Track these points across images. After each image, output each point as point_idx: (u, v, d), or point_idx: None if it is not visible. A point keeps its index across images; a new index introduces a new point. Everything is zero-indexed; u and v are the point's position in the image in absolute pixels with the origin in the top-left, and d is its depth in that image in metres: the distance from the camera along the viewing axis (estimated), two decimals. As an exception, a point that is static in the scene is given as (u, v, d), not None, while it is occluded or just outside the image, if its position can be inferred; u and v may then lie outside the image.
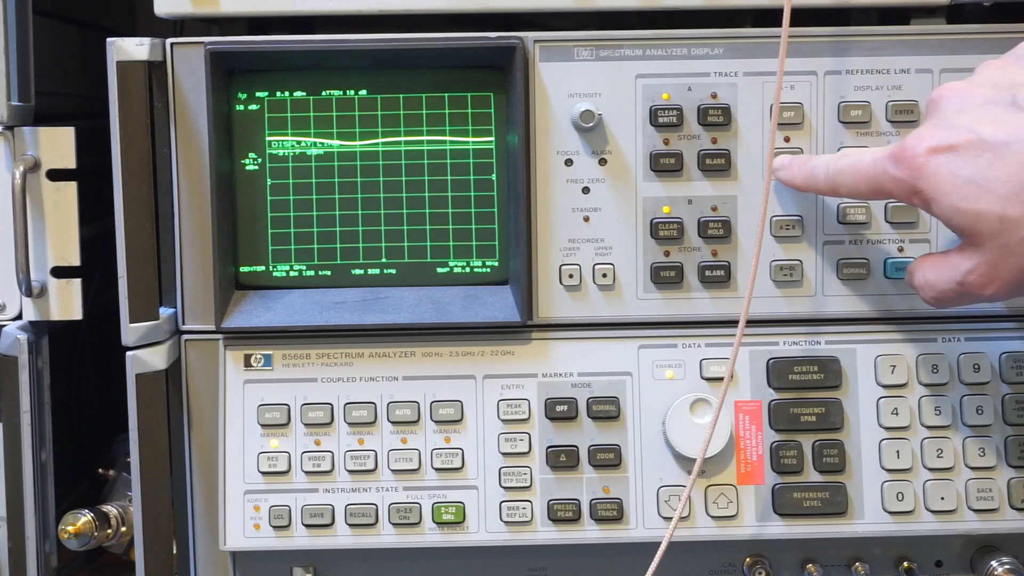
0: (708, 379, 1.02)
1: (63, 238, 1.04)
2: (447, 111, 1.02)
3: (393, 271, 1.04)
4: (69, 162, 1.03)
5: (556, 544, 1.02)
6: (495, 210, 1.03)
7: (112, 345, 1.03)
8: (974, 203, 0.82)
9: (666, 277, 1.02)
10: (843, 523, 1.02)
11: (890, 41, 1.01)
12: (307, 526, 1.01)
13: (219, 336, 1.03)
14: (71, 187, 1.04)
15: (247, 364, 1.03)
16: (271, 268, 1.04)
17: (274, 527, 1.01)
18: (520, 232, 1.00)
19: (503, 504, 1.02)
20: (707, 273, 1.02)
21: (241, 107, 1.02)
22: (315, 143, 1.02)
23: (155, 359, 1.00)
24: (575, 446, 1.02)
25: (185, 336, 1.04)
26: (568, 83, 1.01)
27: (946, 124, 0.85)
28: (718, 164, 1.01)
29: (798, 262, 1.02)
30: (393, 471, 1.02)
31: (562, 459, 1.01)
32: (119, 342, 1.00)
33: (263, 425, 1.02)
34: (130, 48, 0.98)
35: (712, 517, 1.02)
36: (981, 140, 0.82)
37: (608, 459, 1.01)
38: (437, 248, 1.04)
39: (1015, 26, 1.01)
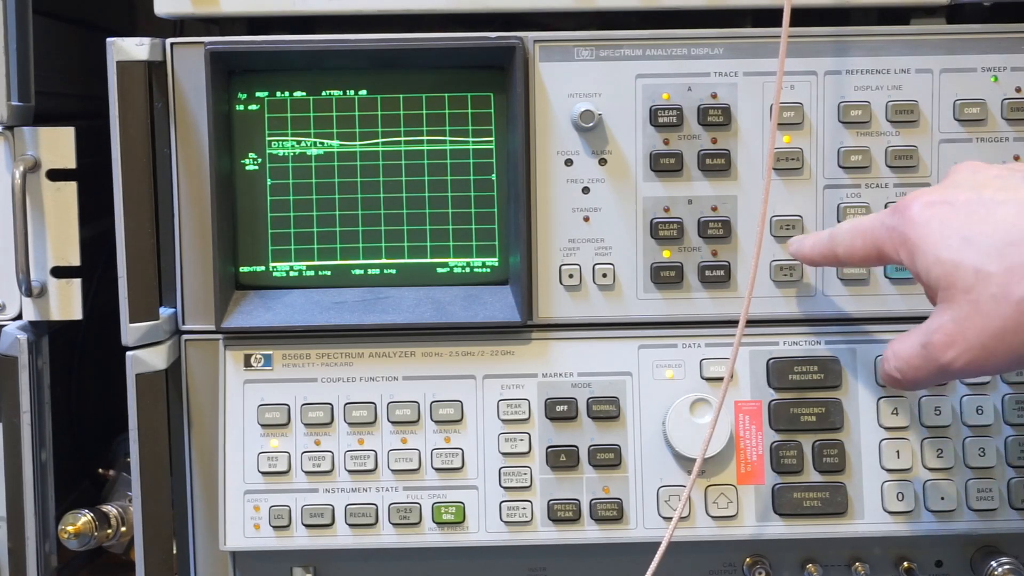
0: (708, 379, 1.02)
1: (63, 238, 1.04)
2: (447, 111, 1.02)
3: (393, 271, 1.04)
4: (69, 162, 1.03)
5: (556, 544, 1.02)
6: (495, 210, 1.03)
7: (112, 345, 1.03)
8: (955, 254, 0.80)
9: (666, 277, 1.02)
10: (843, 523, 1.02)
11: (890, 41, 1.01)
12: (307, 526, 1.01)
13: (219, 336, 1.03)
14: (71, 187, 1.04)
15: (247, 364, 1.03)
16: (271, 268, 1.04)
17: (274, 527, 1.01)
18: (520, 232, 1.00)
19: (503, 504, 1.02)
20: (707, 273, 1.02)
21: (241, 107, 1.02)
22: (315, 143, 1.02)
23: (155, 359, 1.00)
24: (575, 446, 1.02)
25: (185, 336, 1.04)
26: (568, 83, 1.01)
27: (952, 185, 0.84)
28: (718, 164, 1.01)
29: (798, 262, 1.02)
30: (393, 471, 1.02)
31: (562, 459, 1.01)
32: (119, 342, 1.00)
33: (263, 425, 1.02)
34: (130, 48, 0.98)
35: (712, 517, 1.02)
36: (980, 198, 0.81)
37: (608, 459, 1.01)
38: (437, 248, 1.04)
39: (1015, 26, 1.01)
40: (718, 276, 1.02)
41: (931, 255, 0.81)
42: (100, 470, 1.20)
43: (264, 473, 1.02)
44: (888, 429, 1.02)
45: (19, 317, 1.05)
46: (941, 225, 0.81)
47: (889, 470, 1.02)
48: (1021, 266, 0.77)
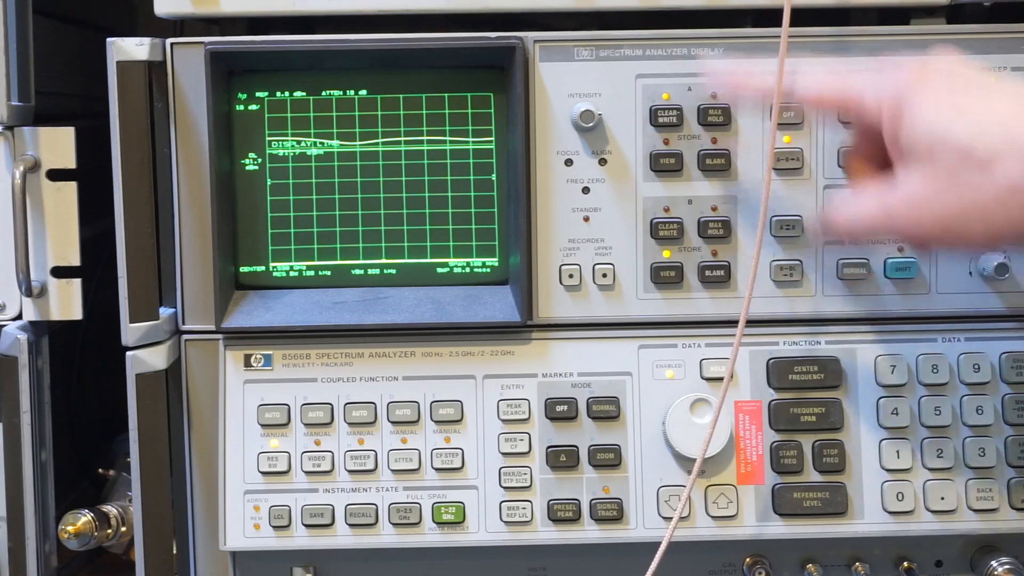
0: (708, 379, 1.02)
1: (63, 238, 1.04)
2: (447, 111, 1.02)
3: (393, 271, 1.04)
4: (69, 162, 1.03)
5: (556, 544, 1.02)
6: (495, 210, 1.03)
7: (112, 345, 1.03)
8: (947, 125, 0.79)
9: (666, 277, 1.02)
10: (843, 523, 1.02)
11: (890, 41, 1.01)
12: (307, 526, 1.01)
13: (219, 336, 1.03)
14: (71, 187, 1.04)
15: (247, 364, 1.03)
16: (271, 268, 1.04)
17: (274, 527, 1.01)
18: (520, 232, 1.00)
19: (503, 504, 1.02)
20: (707, 273, 1.02)
21: (241, 107, 1.02)
22: (315, 143, 1.02)
23: (155, 359, 1.00)
24: (575, 446, 1.02)
25: (185, 336, 1.04)
26: (568, 83, 1.01)
27: (946, 62, 0.85)
28: (718, 164, 1.01)
29: (798, 262, 1.02)
30: (393, 471, 1.02)
31: (562, 459, 1.01)
32: (119, 342, 1.00)
33: (263, 425, 1.02)
34: (130, 48, 0.98)
35: (712, 517, 1.02)
36: (979, 81, 0.82)
37: (608, 459, 1.01)
38: (437, 248, 1.04)
39: (1015, 26, 1.01)
40: (718, 276, 1.02)
41: (921, 119, 0.81)
42: (100, 470, 1.20)
43: (264, 473, 1.02)
44: (888, 429, 1.02)
45: (19, 317, 1.05)
46: (939, 91, 0.81)
47: (889, 470, 1.02)
48: (1008, 152, 0.77)
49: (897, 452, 1.02)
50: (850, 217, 0.85)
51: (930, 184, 0.80)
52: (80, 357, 1.22)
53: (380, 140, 1.02)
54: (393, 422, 1.02)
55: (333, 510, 1.02)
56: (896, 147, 0.83)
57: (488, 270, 1.04)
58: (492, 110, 1.02)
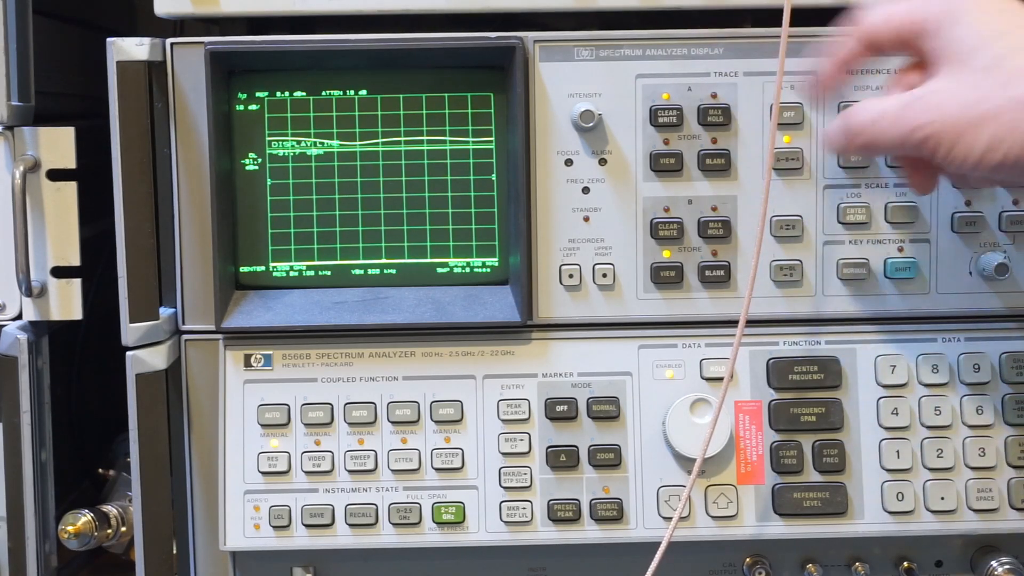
0: (708, 379, 1.02)
1: (63, 238, 1.04)
2: (447, 111, 1.02)
3: (393, 271, 1.04)
4: (69, 162, 1.03)
5: (556, 544, 1.02)
6: (495, 210, 1.03)
7: (112, 345, 1.03)
8: (988, 35, 0.81)
9: (666, 277, 1.02)
10: (843, 523, 1.02)
11: (890, 41, 1.00)
12: (307, 526, 1.01)
13: (219, 336, 1.03)
14: (71, 187, 1.04)
15: (247, 364, 1.03)
16: (271, 268, 1.04)
17: (274, 527, 1.01)
18: (520, 232, 1.00)
19: (503, 504, 1.02)
20: (707, 273, 1.02)
21: (241, 107, 1.02)
22: (315, 143, 1.02)
23: (155, 359, 1.00)
24: (575, 446, 1.02)
25: (185, 336, 1.04)
26: (568, 83, 1.01)
27: None
28: (718, 164, 1.01)
29: (798, 262, 1.02)
30: (393, 471, 1.02)
31: (562, 459, 1.01)
32: (119, 342, 1.00)
33: (263, 425, 1.02)
34: (130, 48, 0.98)
35: (712, 517, 1.02)
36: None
37: (608, 459, 1.01)
38: (437, 248, 1.04)
39: (1015, 26, 1.01)
40: (718, 276, 1.02)
41: (964, 27, 0.83)
42: (100, 470, 1.20)
43: (264, 473, 1.02)
44: (888, 429, 1.02)
45: (19, 317, 1.05)
46: (987, 11, 0.83)
47: (889, 470, 1.02)
48: None
49: (897, 452, 1.02)
50: (866, 114, 0.86)
51: (953, 83, 0.82)
52: (80, 357, 1.22)
53: (380, 140, 1.02)
54: (393, 422, 1.02)
55: (333, 510, 1.02)
56: (933, 54, 0.85)
57: (488, 270, 1.04)
58: (492, 110, 1.02)
